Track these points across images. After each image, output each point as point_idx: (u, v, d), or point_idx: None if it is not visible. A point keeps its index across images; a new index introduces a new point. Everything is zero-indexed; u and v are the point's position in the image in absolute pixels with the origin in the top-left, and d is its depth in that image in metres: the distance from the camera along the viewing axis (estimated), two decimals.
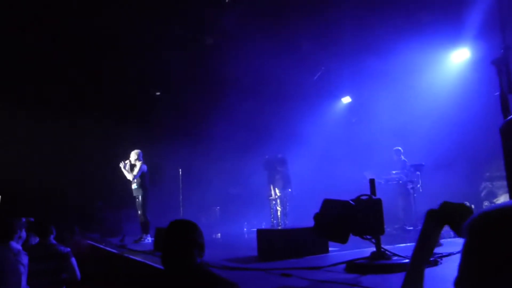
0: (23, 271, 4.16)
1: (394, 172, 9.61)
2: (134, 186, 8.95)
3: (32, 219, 5.01)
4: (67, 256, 4.72)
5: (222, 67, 11.70)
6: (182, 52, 11.43)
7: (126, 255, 6.44)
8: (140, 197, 8.87)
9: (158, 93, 13.84)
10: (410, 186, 9.24)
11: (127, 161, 9.04)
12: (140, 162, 9.02)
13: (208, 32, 10.75)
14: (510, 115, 3.96)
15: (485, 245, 0.98)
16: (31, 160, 11.46)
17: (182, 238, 2.38)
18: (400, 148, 9.82)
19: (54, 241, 4.84)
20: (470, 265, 1.02)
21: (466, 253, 1.03)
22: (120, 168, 9.06)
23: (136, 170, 8.95)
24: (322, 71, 12.04)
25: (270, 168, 10.19)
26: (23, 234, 4.42)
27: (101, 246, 8.08)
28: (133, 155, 9.08)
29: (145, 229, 8.79)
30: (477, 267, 0.99)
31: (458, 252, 4.42)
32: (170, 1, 9.66)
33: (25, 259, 4.23)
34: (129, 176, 8.94)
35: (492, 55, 4.48)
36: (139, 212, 8.91)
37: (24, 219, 4.77)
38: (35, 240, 5.03)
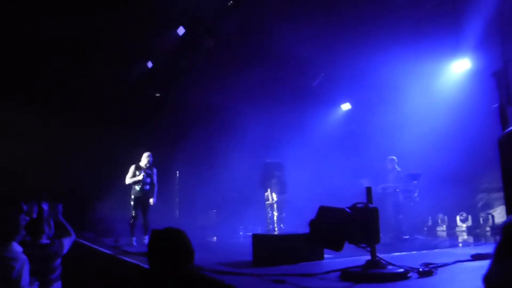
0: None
1: (389, 180, 9.59)
2: (147, 187, 8.47)
3: (28, 218, 4.83)
4: (55, 256, 4.61)
5: (221, 70, 11.69)
6: (182, 54, 11.43)
7: (120, 256, 6.40)
8: (151, 199, 8.51)
9: (157, 95, 13.83)
10: (406, 195, 9.21)
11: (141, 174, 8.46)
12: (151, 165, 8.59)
13: (207, 35, 10.71)
14: (508, 127, 3.96)
15: None
16: (30, 157, 11.41)
17: (166, 247, 2.36)
18: (394, 157, 9.77)
19: (47, 241, 4.73)
20: (506, 261, 1.16)
21: (502, 250, 1.19)
22: (135, 177, 8.42)
23: (154, 175, 8.56)
24: (322, 77, 12.02)
25: (267, 172, 10.13)
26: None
27: (95, 247, 8.03)
28: (146, 158, 8.51)
29: (145, 230, 8.50)
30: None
31: (453, 263, 4.41)
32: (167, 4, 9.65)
33: (25, 271, 3.43)
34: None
35: (492, 67, 4.48)
36: (142, 213, 8.42)
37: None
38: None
